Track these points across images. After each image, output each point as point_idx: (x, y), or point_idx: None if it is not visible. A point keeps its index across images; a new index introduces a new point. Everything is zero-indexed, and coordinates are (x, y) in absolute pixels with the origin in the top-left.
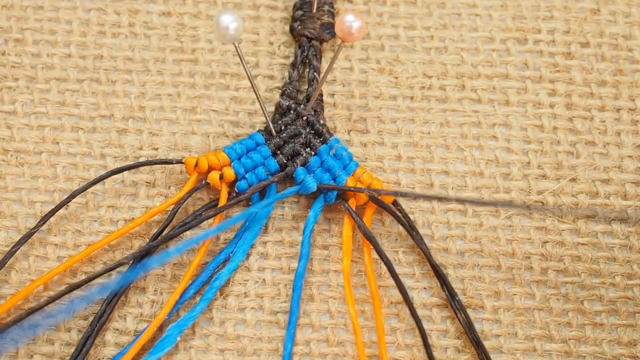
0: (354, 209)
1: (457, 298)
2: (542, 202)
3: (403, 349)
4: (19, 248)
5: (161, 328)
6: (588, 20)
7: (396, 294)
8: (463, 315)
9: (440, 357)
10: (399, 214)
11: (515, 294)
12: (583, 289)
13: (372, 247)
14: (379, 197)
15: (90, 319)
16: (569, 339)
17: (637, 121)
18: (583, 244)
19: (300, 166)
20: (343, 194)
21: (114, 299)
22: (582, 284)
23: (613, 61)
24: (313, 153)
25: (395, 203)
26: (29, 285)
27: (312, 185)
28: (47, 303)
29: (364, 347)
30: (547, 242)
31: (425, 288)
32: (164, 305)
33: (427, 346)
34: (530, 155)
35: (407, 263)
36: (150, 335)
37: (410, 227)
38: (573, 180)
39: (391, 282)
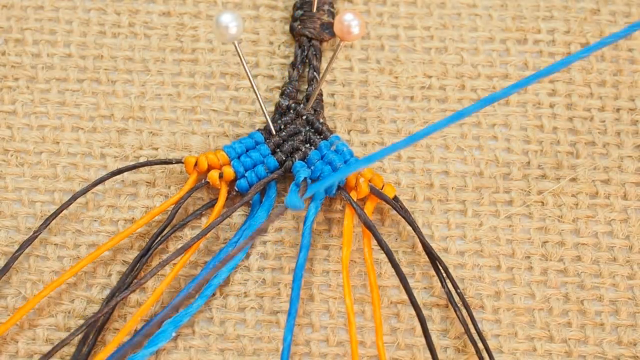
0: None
1: (458, 291)
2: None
3: (403, 349)
4: (22, 252)
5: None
6: (588, 20)
7: (396, 294)
8: (464, 309)
9: (441, 357)
10: (398, 206)
11: (515, 294)
12: (583, 289)
13: (372, 238)
14: (381, 190)
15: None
16: (569, 339)
17: (637, 121)
18: (583, 244)
19: (299, 160)
20: (344, 187)
21: (112, 299)
22: (582, 284)
23: (613, 61)
24: (313, 148)
25: (395, 198)
26: (37, 294)
27: (302, 173)
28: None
29: (365, 347)
30: (547, 242)
31: (425, 288)
32: (152, 293)
33: (426, 336)
34: (530, 155)
35: (407, 263)
36: (134, 324)
37: (410, 220)
38: (573, 180)
39: (390, 281)
